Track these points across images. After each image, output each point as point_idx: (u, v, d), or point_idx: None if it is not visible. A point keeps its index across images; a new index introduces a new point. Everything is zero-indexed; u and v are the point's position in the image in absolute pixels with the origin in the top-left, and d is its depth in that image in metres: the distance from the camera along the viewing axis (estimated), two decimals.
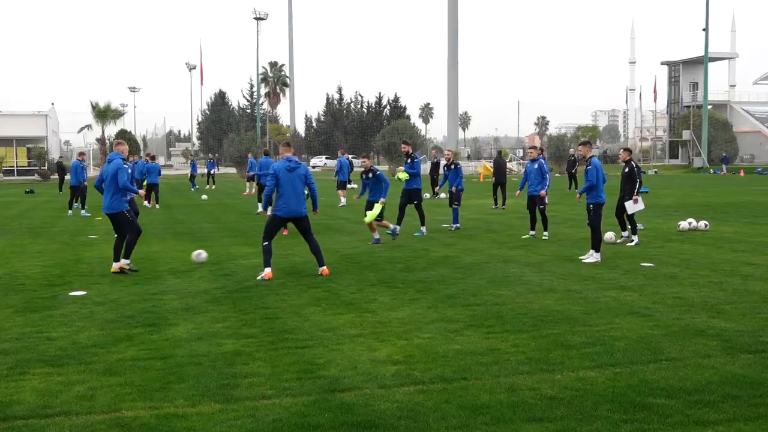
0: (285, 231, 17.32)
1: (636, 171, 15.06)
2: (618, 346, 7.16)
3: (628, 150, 15.77)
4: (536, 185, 16.10)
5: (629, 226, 15.32)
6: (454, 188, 18.22)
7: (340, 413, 5.42)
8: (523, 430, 5.10)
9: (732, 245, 14.61)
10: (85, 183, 24.93)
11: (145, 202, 26.93)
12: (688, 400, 5.61)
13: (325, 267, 11.55)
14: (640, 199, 14.99)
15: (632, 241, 14.98)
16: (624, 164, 15.42)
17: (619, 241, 15.30)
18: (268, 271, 11.22)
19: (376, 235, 15.63)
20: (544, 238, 15.88)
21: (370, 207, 15.47)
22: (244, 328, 8.10)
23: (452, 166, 18.52)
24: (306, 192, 11.73)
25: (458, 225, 18.21)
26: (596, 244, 12.78)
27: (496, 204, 25.41)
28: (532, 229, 16.32)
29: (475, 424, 5.19)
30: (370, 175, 15.50)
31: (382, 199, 15.15)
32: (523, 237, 15.98)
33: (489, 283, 10.65)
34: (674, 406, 5.49)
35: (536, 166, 16.19)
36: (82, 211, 24.52)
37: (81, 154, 27.34)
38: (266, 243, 11.36)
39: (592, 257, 12.72)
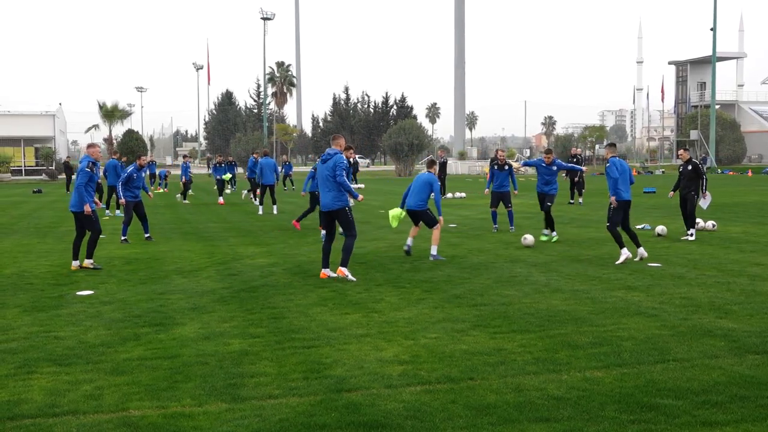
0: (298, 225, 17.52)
1: (701, 168, 16.00)
2: (625, 346, 7.15)
3: (687, 150, 16.63)
4: (552, 185, 16.15)
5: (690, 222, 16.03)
6: (516, 190, 18.07)
7: (346, 413, 5.42)
8: (530, 430, 5.09)
9: (740, 245, 14.56)
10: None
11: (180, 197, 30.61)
12: (696, 400, 5.59)
13: (342, 268, 10.97)
14: (708, 194, 16.03)
15: (690, 235, 15.68)
16: (686, 163, 16.14)
17: (684, 237, 15.79)
18: (324, 271, 11.24)
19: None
20: (544, 236, 15.87)
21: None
22: (250, 327, 8.11)
23: (505, 167, 17.95)
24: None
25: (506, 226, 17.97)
26: (618, 241, 12.83)
27: None
28: (548, 227, 16.10)
29: (482, 424, 5.18)
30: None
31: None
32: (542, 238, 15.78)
33: (496, 283, 10.64)
34: (682, 406, 5.47)
35: (555, 168, 16.29)
36: (117, 212, 24.13)
37: (116, 152, 28.28)
38: (323, 242, 11.38)
39: (622, 256, 12.58)
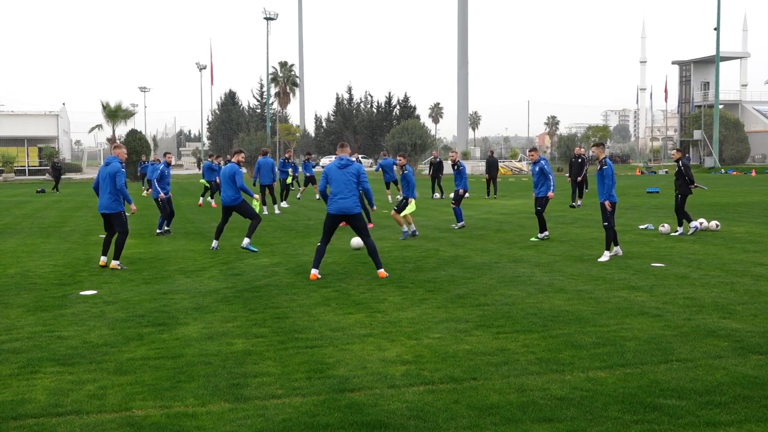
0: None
1: (686, 168, 16.58)
2: (628, 346, 7.14)
3: (679, 150, 17.23)
4: (540, 187, 16.09)
5: (684, 220, 16.70)
6: (461, 190, 18.19)
7: (349, 413, 5.42)
8: (533, 430, 5.08)
9: (743, 245, 14.53)
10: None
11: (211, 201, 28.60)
12: (699, 401, 5.58)
13: (382, 269, 11.33)
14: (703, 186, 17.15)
15: (676, 231, 16.44)
16: (676, 162, 16.81)
17: (674, 234, 16.51)
18: (313, 272, 11.18)
19: (406, 228, 16.39)
20: (533, 239, 15.86)
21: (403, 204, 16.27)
22: (254, 327, 8.12)
23: (455, 167, 18.60)
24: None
25: (462, 223, 18.41)
26: (608, 242, 13.10)
27: (488, 194, 31.51)
28: (544, 230, 16.14)
29: (485, 425, 5.18)
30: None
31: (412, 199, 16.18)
32: (531, 239, 15.92)
33: (499, 283, 10.63)
34: (685, 407, 5.46)
35: (537, 168, 16.11)
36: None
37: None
38: (319, 244, 11.33)
39: (605, 256, 12.97)
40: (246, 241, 14.35)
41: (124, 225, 12.51)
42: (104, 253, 12.76)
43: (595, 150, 13.82)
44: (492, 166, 32.33)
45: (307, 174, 29.56)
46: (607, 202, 13.06)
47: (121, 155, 12.76)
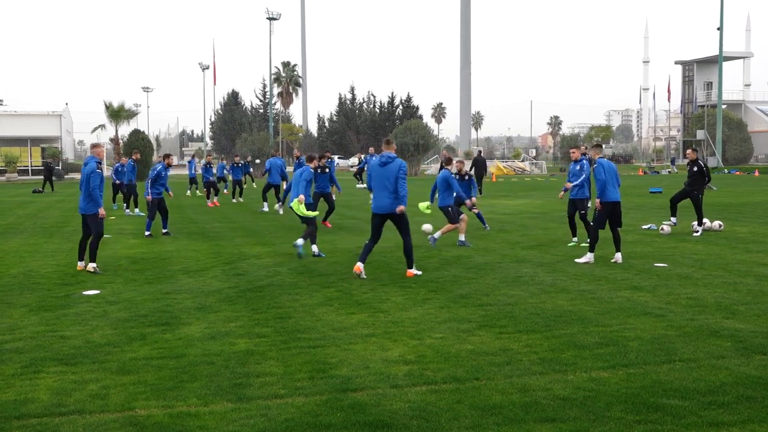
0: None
1: (706, 168, 17.10)
2: (631, 346, 7.13)
3: (695, 150, 17.50)
4: (579, 188, 14.57)
5: (672, 212, 17.29)
6: (474, 197, 17.44)
7: (352, 413, 5.42)
8: (536, 430, 5.08)
9: (746, 245, 14.51)
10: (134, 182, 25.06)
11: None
12: (702, 401, 5.58)
13: (410, 270, 11.33)
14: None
15: (696, 231, 16.49)
16: (692, 162, 17.18)
17: (696, 234, 16.53)
18: (357, 264, 11.22)
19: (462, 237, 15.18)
20: (584, 245, 14.41)
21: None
22: (256, 327, 8.12)
23: (465, 177, 16.97)
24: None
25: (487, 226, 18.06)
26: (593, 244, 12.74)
27: (480, 192, 30.40)
28: (574, 235, 15.17)
29: (488, 425, 5.18)
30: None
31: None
32: (568, 245, 14.88)
33: (501, 283, 10.63)
34: (688, 407, 5.46)
35: (578, 167, 14.49)
36: (136, 210, 24.49)
37: (136, 151, 26.91)
38: (367, 242, 11.40)
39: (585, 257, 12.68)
40: (300, 241, 13.44)
41: (98, 226, 12.08)
42: (80, 258, 12.34)
43: (592, 152, 13.86)
44: (479, 165, 32.96)
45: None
46: (597, 201, 12.85)
47: (99, 154, 12.43)
